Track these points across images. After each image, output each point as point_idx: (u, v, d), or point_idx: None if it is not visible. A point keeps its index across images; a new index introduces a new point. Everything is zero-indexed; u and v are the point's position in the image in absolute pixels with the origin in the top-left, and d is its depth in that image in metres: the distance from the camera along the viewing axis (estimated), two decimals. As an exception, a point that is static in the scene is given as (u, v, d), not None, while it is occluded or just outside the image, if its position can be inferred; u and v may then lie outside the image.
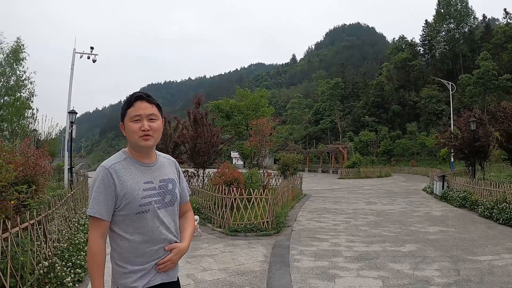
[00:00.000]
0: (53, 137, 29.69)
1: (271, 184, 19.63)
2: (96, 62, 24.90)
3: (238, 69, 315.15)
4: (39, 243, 5.89)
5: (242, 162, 55.90)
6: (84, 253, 7.09)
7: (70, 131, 21.08)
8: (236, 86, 52.99)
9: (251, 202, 11.05)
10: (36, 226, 5.97)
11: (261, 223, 10.84)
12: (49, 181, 15.43)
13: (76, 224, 8.98)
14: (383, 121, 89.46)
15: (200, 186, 16.01)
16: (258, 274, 6.98)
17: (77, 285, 6.10)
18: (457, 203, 16.99)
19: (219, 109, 41.49)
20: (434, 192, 21.29)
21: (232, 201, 10.82)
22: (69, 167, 22.64)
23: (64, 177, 21.51)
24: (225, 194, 10.99)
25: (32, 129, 28.97)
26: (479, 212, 14.33)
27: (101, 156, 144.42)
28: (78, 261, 6.70)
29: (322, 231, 11.25)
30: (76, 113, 21.21)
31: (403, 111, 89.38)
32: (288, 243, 9.64)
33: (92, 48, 24.56)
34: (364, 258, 8.10)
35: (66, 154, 21.90)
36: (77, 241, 7.72)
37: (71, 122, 20.97)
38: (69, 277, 5.93)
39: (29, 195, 7.35)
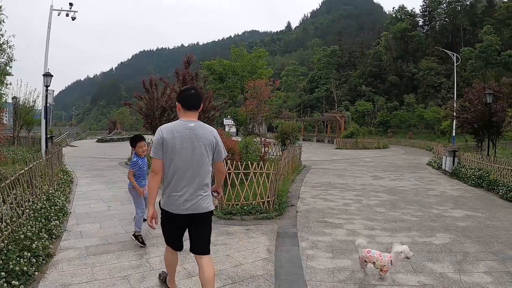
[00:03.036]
0: (30, 105, 27.76)
1: (270, 155, 17.84)
2: (75, 19, 22.79)
3: (232, 36, 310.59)
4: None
5: (235, 130, 53.77)
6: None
7: (45, 95, 19.07)
8: (231, 45, 49.59)
9: (249, 177, 9.24)
10: None
11: (261, 203, 9.06)
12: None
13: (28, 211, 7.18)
14: (380, 92, 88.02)
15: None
16: (261, 282, 5.21)
17: None
18: (472, 182, 15.33)
19: (211, 71, 38.28)
20: (443, 168, 19.75)
21: (225, 176, 8.93)
22: (49, 136, 20.92)
23: (42, 148, 19.67)
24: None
25: (12, 96, 27.42)
26: (500, 193, 12.72)
27: (92, 124, 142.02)
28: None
29: (333, 213, 9.57)
30: (52, 75, 19.13)
31: (400, 82, 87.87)
32: (295, 230, 7.92)
33: (71, 4, 22.45)
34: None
35: (43, 122, 19.95)
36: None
37: (46, 86, 18.95)
38: None
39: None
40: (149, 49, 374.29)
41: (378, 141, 46.35)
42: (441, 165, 20.44)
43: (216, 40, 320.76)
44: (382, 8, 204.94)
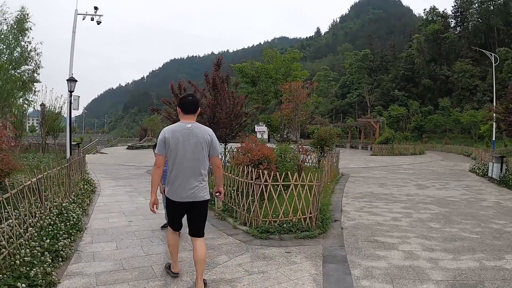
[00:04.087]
0: (56, 111, 27.23)
1: (307, 163, 16.55)
2: (100, 24, 22.10)
3: (262, 43, 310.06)
4: None
5: (266, 137, 52.37)
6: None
7: (69, 101, 18.30)
8: (264, 47, 47.43)
9: (290, 189, 8.01)
10: None
11: (302, 220, 7.86)
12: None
13: (32, 229, 6.19)
14: (413, 96, 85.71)
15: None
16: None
17: None
18: (527, 192, 13.78)
19: (243, 74, 36.65)
20: (490, 175, 18.24)
21: (262, 188, 7.76)
22: (75, 143, 20.23)
23: (67, 155, 18.95)
24: (252, 179, 7.98)
25: (40, 103, 27.18)
26: None
27: (123, 132, 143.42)
28: None
29: (382, 230, 8.31)
30: (76, 80, 18.42)
31: (434, 86, 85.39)
32: (343, 252, 6.69)
33: (96, 8, 21.72)
34: (465, 285, 5.23)
35: (68, 128, 19.21)
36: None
37: (70, 92, 18.20)
38: None
39: None
40: (179, 57, 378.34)
41: (415, 147, 44.58)
42: (487, 172, 19.01)
43: (246, 47, 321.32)
44: (412, 10, 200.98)
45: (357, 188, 14.95)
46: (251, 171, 7.91)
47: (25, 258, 5.04)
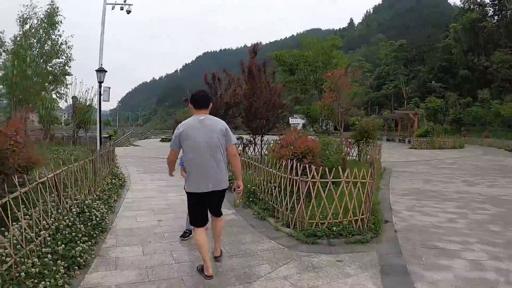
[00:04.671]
0: (87, 104, 26.91)
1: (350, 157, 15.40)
2: (130, 13, 21.53)
3: (294, 35, 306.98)
4: None
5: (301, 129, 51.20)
6: None
7: (99, 92, 17.67)
8: (303, 35, 45.00)
9: (341, 186, 6.96)
10: None
11: (353, 221, 6.90)
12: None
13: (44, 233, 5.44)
14: (451, 87, 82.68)
15: (257, 158, 12.20)
16: None
17: None
18: None
19: (280, 61, 35.10)
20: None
21: (309, 185, 6.76)
22: (107, 135, 19.67)
23: (97, 148, 18.38)
24: (297, 175, 6.97)
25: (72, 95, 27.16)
26: None
27: (157, 124, 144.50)
28: None
29: (439, 233, 7.31)
30: (106, 71, 17.81)
31: (472, 77, 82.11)
32: (401, 261, 5.77)
33: (125, -5, 21.17)
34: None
35: (98, 120, 18.62)
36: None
37: (100, 82, 17.58)
38: None
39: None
40: (212, 51, 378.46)
41: (454, 140, 42.72)
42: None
43: (279, 39, 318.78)
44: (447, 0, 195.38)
45: (402, 184, 13.85)
46: (297, 166, 6.94)
47: (32, 270, 4.26)
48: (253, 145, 16.93)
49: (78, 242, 5.54)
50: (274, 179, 7.95)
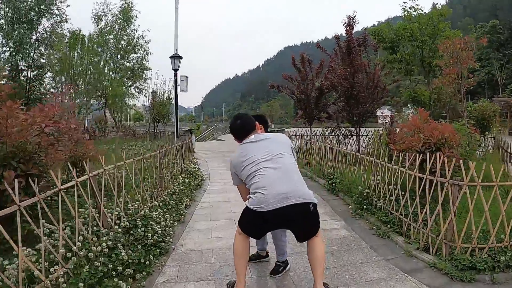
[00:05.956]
0: (164, 96, 26.08)
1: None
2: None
3: (376, 24, 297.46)
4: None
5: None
6: None
7: (174, 80, 16.05)
8: (403, 3, 38.29)
9: (493, 192, 4.39)
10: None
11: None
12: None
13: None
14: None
15: (363, 151, 9.80)
16: None
17: None
18: None
19: (379, 38, 30.83)
20: None
21: (464, 191, 4.35)
22: (187, 129, 18.28)
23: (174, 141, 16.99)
24: (442, 176, 4.67)
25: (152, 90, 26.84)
26: None
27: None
28: None
29: None
30: (181, 57, 16.22)
31: None
32: None
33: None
34: None
35: (175, 112, 17.19)
36: None
37: (175, 70, 16.01)
38: None
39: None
40: (293, 44, 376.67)
41: None
42: None
43: (360, 29, 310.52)
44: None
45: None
46: (443, 162, 4.60)
47: None
48: (353, 136, 14.57)
49: (116, 278, 3.63)
50: (398, 178, 5.64)
